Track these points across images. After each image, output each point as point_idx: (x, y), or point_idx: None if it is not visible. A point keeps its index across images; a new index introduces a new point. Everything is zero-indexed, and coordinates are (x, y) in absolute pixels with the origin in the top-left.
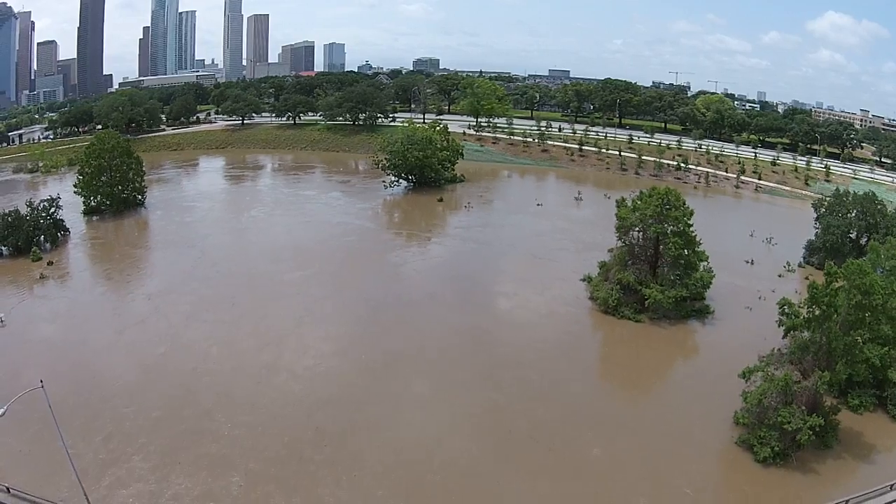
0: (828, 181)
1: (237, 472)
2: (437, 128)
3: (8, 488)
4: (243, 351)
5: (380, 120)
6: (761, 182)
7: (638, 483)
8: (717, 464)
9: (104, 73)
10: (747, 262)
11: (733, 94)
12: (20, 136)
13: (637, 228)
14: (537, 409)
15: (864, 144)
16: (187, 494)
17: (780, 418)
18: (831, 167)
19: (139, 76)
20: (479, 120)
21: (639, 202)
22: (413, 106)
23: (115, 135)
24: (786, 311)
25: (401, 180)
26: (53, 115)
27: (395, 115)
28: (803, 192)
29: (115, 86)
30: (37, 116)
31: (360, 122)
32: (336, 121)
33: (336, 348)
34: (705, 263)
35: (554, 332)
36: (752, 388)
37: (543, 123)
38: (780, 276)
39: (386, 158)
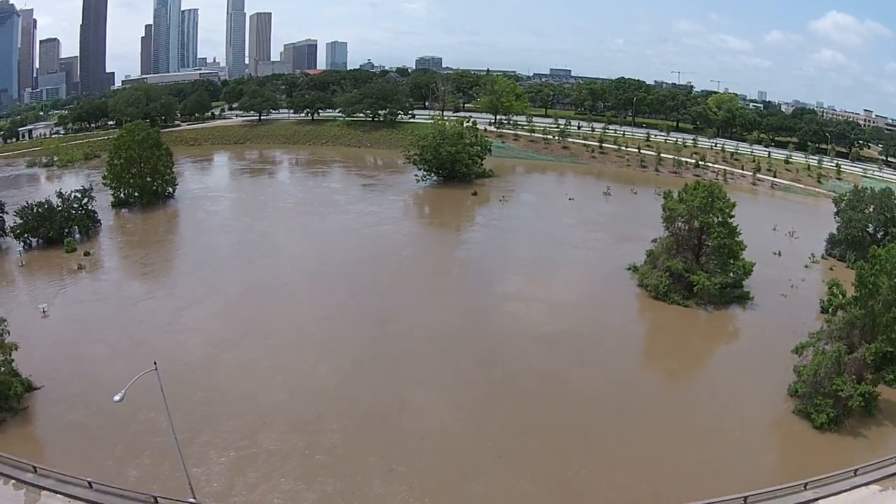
0: (839, 179)
1: (329, 431)
2: (466, 124)
3: (90, 483)
4: (306, 323)
5: (399, 116)
6: (776, 179)
7: (705, 447)
8: (777, 430)
9: (106, 70)
10: (775, 253)
11: (735, 94)
12: (29, 131)
13: (682, 219)
14: (599, 377)
15: (870, 144)
16: (279, 454)
17: (834, 386)
18: (842, 166)
19: (141, 74)
20: (497, 117)
21: (685, 195)
22: (427, 103)
23: (144, 126)
24: (834, 291)
25: (431, 174)
26: (58, 112)
27: (413, 111)
28: (816, 189)
29: (118, 83)
30: (41, 113)
31: (380, 119)
32: (355, 117)
33: (394, 320)
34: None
35: (608, 314)
36: (804, 362)
37: (562, 121)
38: (806, 266)
39: (417, 153)
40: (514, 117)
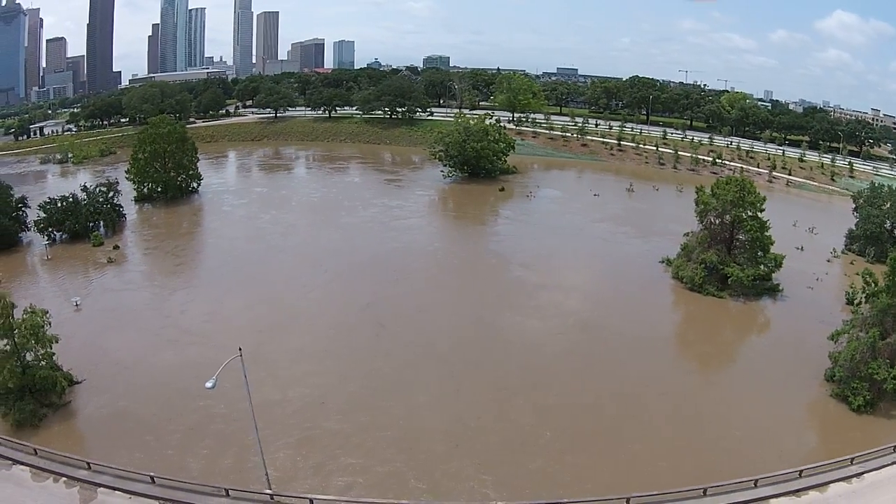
0: (852, 177)
1: (387, 410)
2: (489, 121)
3: (152, 477)
4: (350, 310)
5: (417, 114)
6: (791, 177)
7: (749, 426)
8: (817, 412)
9: (113, 69)
10: (797, 248)
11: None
12: (40, 129)
13: (714, 213)
14: (642, 362)
15: (881, 143)
16: (341, 434)
17: (870, 370)
18: (854, 164)
19: (148, 73)
20: (514, 115)
21: (718, 189)
22: (442, 101)
23: (169, 120)
24: (867, 279)
25: (455, 171)
26: (67, 110)
27: (431, 109)
28: (830, 187)
29: (125, 82)
30: (49, 112)
31: (398, 116)
32: (373, 114)
33: (437, 308)
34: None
35: (646, 304)
36: (838, 349)
37: (580, 119)
38: (828, 260)
39: (442, 150)
40: (532, 115)
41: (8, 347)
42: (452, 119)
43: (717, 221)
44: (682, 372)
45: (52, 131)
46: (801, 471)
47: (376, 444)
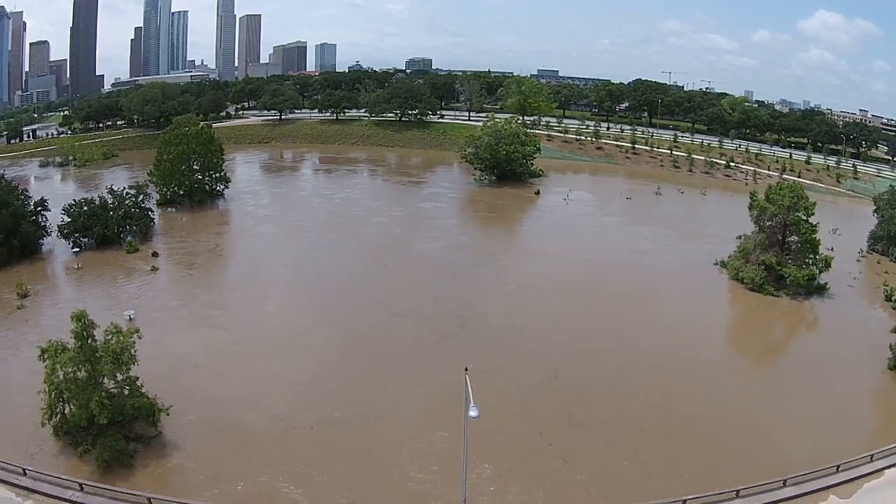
0: (856, 179)
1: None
2: (513, 124)
3: None
4: (421, 299)
5: (427, 116)
6: (800, 179)
7: (832, 412)
8: (886, 397)
9: (96, 73)
10: (829, 249)
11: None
12: (33, 131)
13: (767, 217)
14: (723, 357)
15: (878, 145)
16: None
17: None
18: (857, 167)
19: (131, 76)
20: (524, 117)
21: (773, 195)
22: (444, 103)
23: (194, 120)
24: None
25: (486, 174)
26: (52, 113)
27: (441, 112)
28: (836, 188)
29: (108, 86)
30: (35, 115)
31: (409, 119)
32: (382, 117)
33: (506, 305)
34: None
35: (715, 304)
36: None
37: (591, 122)
38: (857, 260)
39: (472, 153)
40: (545, 118)
41: (85, 374)
42: (463, 122)
43: (770, 224)
44: (758, 364)
45: (48, 134)
46: None
47: (508, 427)
